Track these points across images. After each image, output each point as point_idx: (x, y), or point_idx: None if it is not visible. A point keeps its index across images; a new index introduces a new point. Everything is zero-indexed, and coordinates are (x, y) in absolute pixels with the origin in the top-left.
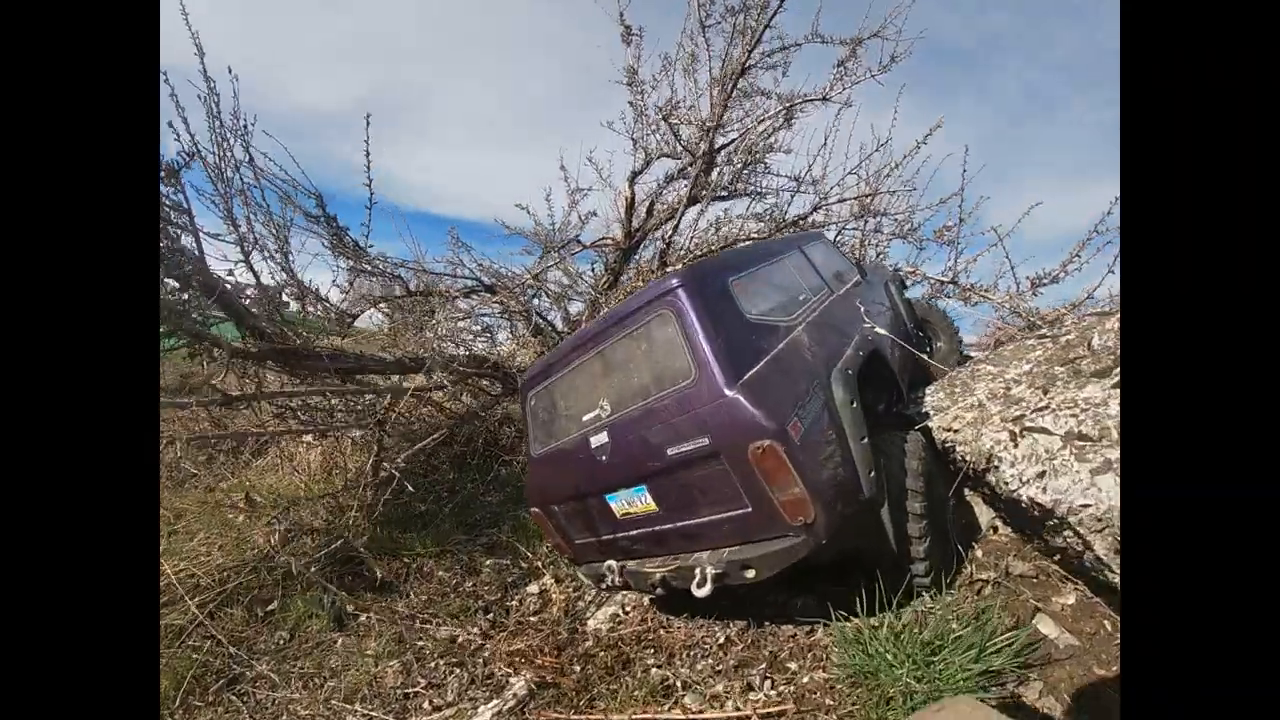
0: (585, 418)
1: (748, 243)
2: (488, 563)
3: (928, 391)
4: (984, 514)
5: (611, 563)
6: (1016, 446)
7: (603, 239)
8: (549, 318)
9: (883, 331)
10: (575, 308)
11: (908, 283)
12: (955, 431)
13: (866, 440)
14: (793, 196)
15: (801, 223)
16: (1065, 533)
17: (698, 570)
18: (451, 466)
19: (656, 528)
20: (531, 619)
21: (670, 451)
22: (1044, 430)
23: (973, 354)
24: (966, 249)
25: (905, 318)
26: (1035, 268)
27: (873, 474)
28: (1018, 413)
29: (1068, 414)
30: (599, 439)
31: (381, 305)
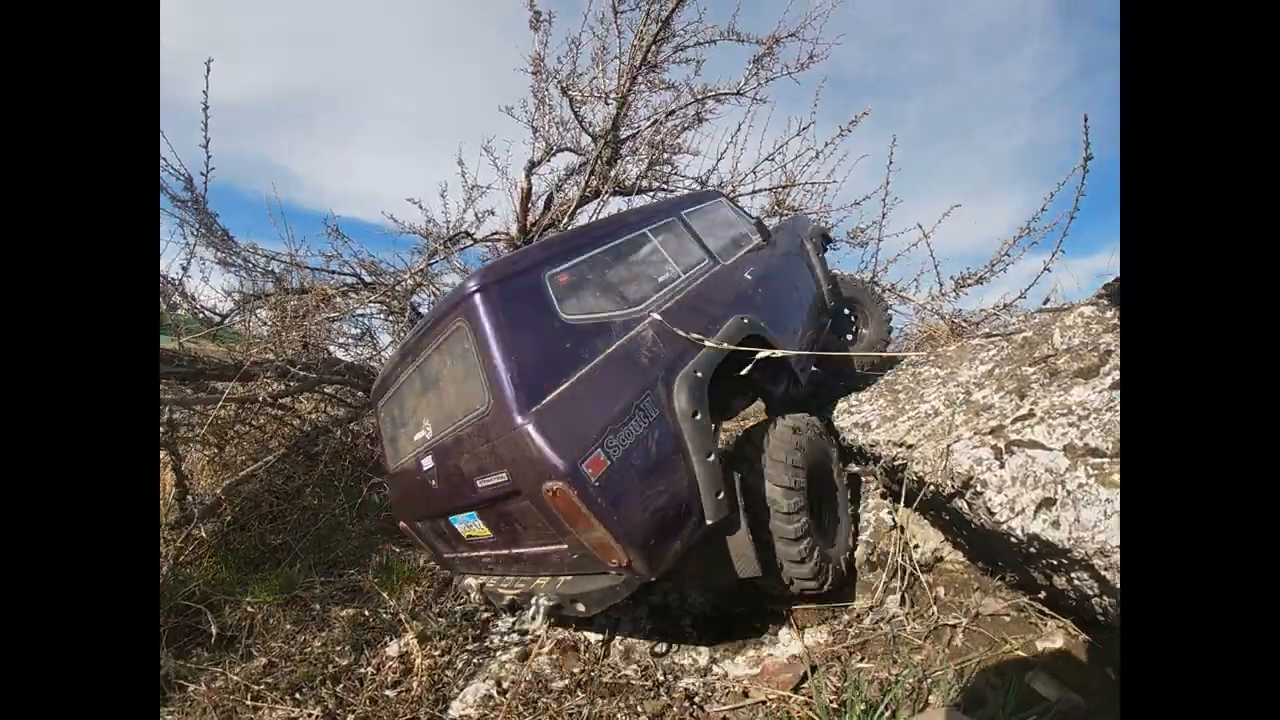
0: (415, 438)
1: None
2: (344, 613)
3: (863, 399)
4: (929, 538)
5: (471, 580)
6: (1004, 467)
7: (495, 234)
8: None
9: (754, 320)
10: None
11: (832, 237)
12: (910, 447)
13: (714, 458)
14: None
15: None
16: (1077, 574)
17: (534, 600)
18: (317, 489)
19: (498, 551)
20: (388, 693)
21: (479, 484)
22: (1037, 444)
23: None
24: (882, 250)
25: (824, 291)
26: (958, 268)
27: (720, 495)
28: (994, 422)
29: (1063, 422)
30: (427, 462)
31: (257, 303)
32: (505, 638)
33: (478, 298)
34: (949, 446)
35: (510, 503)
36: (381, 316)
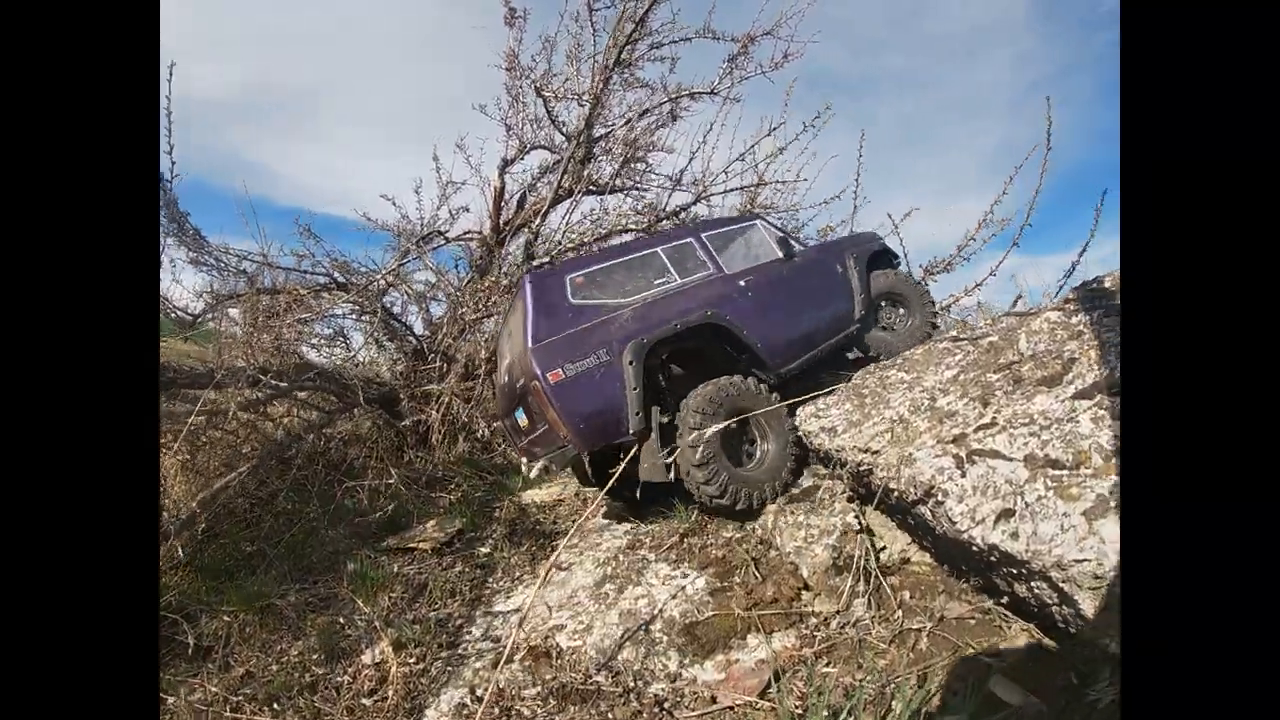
0: (502, 366)
1: (630, 238)
2: (319, 621)
3: (831, 402)
4: (896, 540)
5: (525, 460)
6: (965, 476)
7: (468, 233)
8: (407, 319)
9: (719, 314)
10: (439, 309)
11: (894, 254)
12: (875, 453)
13: (637, 389)
14: (669, 194)
15: (681, 215)
16: (1036, 583)
17: (537, 464)
18: (290, 494)
19: (534, 435)
20: (365, 702)
21: (517, 385)
22: (997, 454)
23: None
24: None
25: (856, 302)
26: (927, 257)
27: (638, 414)
28: (957, 430)
29: (1024, 432)
30: (504, 377)
31: (229, 303)
32: (478, 645)
33: (529, 285)
34: (911, 454)
35: (529, 399)
36: (354, 317)
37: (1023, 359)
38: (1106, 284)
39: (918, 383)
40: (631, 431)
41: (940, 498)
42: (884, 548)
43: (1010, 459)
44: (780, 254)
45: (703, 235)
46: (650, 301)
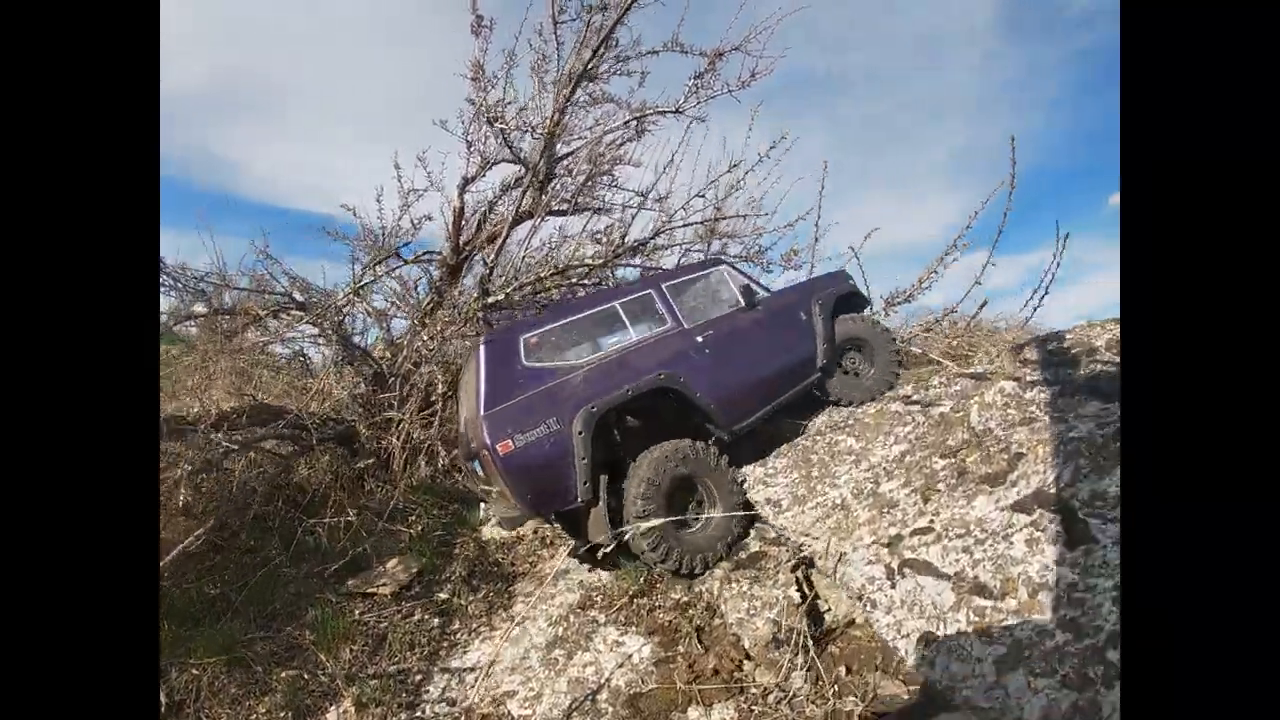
0: (462, 415)
1: (583, 278)
2: (284, 675)
3: (780, 466)
4: (842, 602)
5: (483, 503)
6: (894, 588)
7: (426, 253)
8: (368, 339)
9: (673, 376)
10: (403, 324)
11: (864, 297)
12: (815, 538)
13: (586, 460)
14: (634, 216)
15: (642, 247)
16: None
17: (493, 513)
18: (251, 532)
19: (489, 489)
20: None
21: (471, 445)
22: (929, 567)
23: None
24: (817, 269)
25: (819, 350)
26: (889, 285)
27: (586, 485)
28: (894, 529)
29: (959, 544)
30: (463, 428)
31: (187, 323)
32: (437, 706)
33: (483, 350)
34: (846, 554)
35: (482, 462)
36: (312, 340)
37: (970, 443)
38: (1068, 341)
39: (866, 455)
40: (580, 501)
41: (869, 607)
42: (829, 609)
43: (940, 576)
44: (742, 302)
45: (663, 286)
46: (604, 362)
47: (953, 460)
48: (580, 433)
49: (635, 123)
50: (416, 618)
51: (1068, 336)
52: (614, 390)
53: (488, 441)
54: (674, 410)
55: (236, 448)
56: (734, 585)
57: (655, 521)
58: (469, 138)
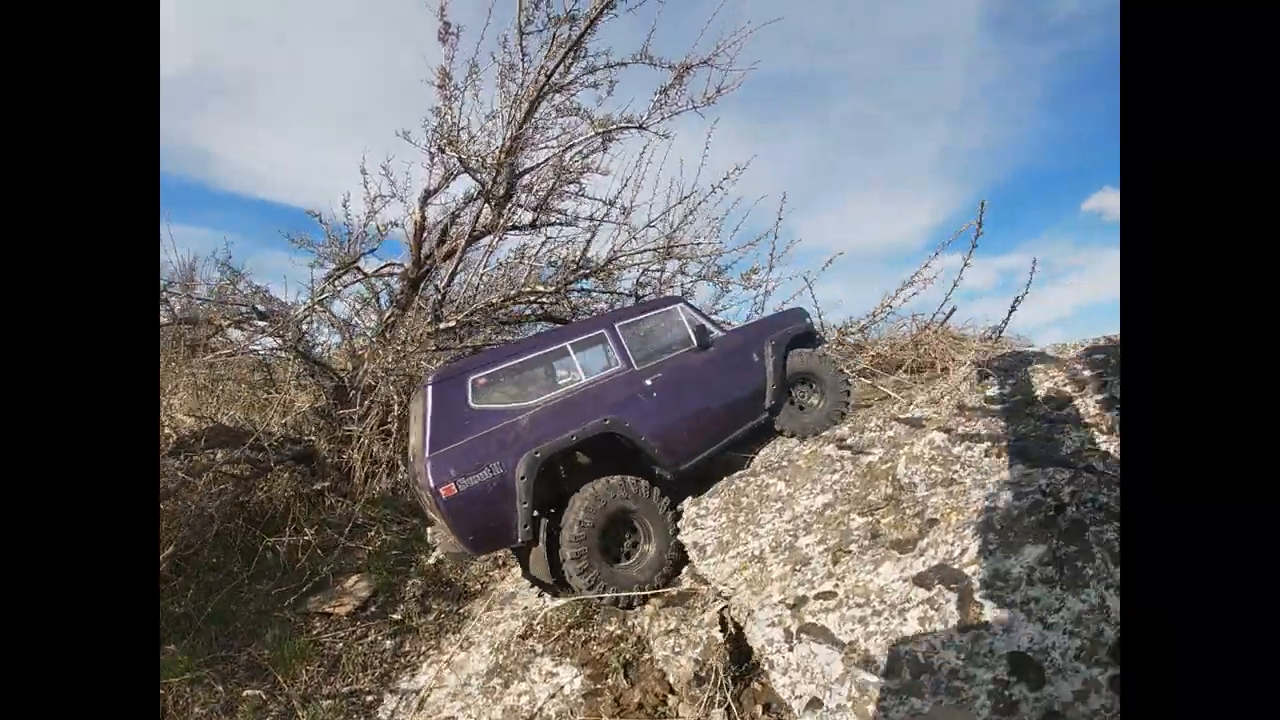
0: (410, 450)
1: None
2: (245, 694)
3: (711, 507)
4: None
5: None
6: (791, 650)
7: (387, 265)
8: (329, 351)
9: (618, 420)
10: (367, 332)
11: (819, 336)
12: (733, 590)
13: (527, 505)
14: (591, 237)
15: (599, 270)
16: None
17: (441, 549)
18: (214, 548)
19: (435, 522)
20: None
21: (417, 480)
22: (826, 634)
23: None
24: (775, 290)
25: (769, 390)
26: (872, 286)
27: (527, 528)
28: (801, 590)
29: (855, 611)
30: (411, 454)
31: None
32: (394, 716)
33: (430, 388)
34: (754, 611)
35: (427, 499)
36: (273, 351)
37: (890, 501)
38: (1009, 388)
39: (791, 503)
40: (520, 541)
41: (766, 667)
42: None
43: (834, 644)
44: (695, 343)
45: (616, 326)
46: (552, 405)
47: (870, 519)
48: (523, 478)
49: (600, 136)
50: (370, 638)
51: (1015, 378)
52: (559, 435)
53: (430, 484)
54: (620, 451)
55: (194, 479)
56: (663, 621)
57: (593, 575)
58: (431, 149)
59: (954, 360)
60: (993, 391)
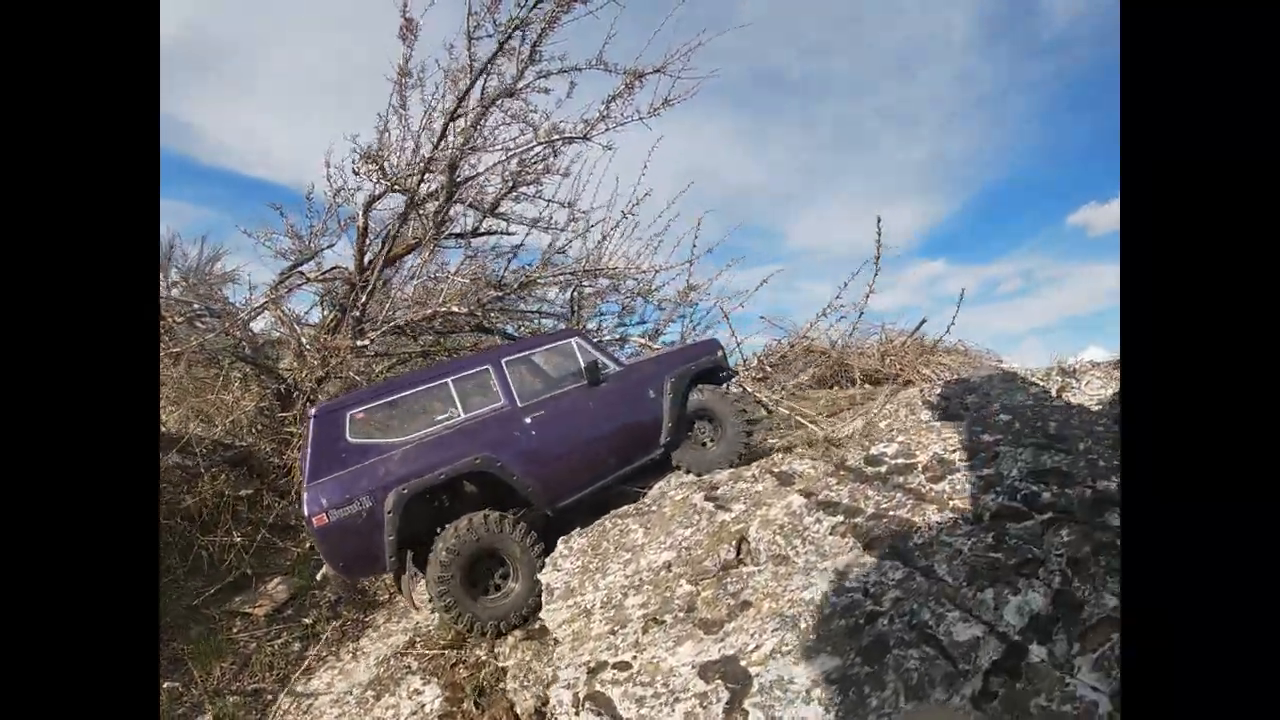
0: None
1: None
2: (165, 685)
3: (575, 547)
4: None
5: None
6: (578, 715)
7: (335, 267)
8: (275, 350)
9: (490, 459)
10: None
11: (728, 370)
12: (558, 643)
13: (393, 538)
14: (514, 254)
15: (519, 291)
16: None
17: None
18: None
19: None
20: None
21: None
22: (609, 707)
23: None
24: (710, 311)
25: (664, 429)
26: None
27: (393, 558)
28: (605, 655)
29: (639, 689)
30: None
31: None
32: (284, 716)
33: (313, 421)
34: (555, 672)
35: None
36: (225, 352)
37: (724, 569)
38: (893, 448)
39: (639, 555)
40: (388, 570)
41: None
42: None
43: (612, 718)
44: (586, 380)
45: (503, 361)
46: (426, 442)
47: (694, 589)
48: (390, 513)
49: (546, 146)
50: (282, 640)
51: (893, 445)
52: (429, 472)
53: (305, 513)
54: (496, 487)
55: None
56: (519, 653)
57: (446, 617)
58: (355, 168)
59: (918, 374)
60: (878, 449)
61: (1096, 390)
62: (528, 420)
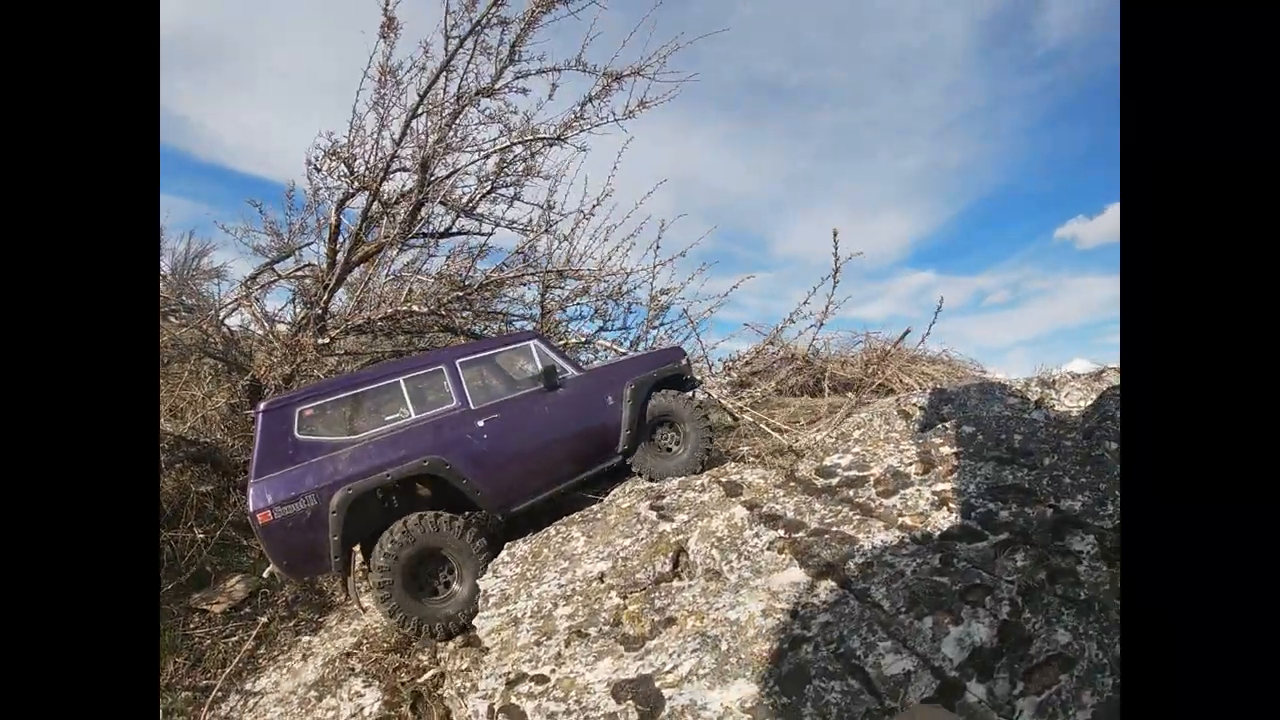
0: None
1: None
2: None
3: (518, 554)
4: None
5: None
6: None
7: (307, 265)
8: (249, 346)
9: (438, 461)
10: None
11: (691, 378)
12: (487, 650)
13: (338, 538)
14: (480, 252)
15: (482, 292)
16: None
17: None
18: None
19: None
20: None
21: None
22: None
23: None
24: (682, 316)
25: (622, 435)
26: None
27: (338, 558)
28: (525, 666)
29: (552, 704)
30: None
31: None
32: (230, 713)
33: (260, 416)
34: (476, 682)
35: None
36: (194, 347)
37: (655, 583)
38: (847, 460)
39: (577, 563)
40: (333, 570)
41: None
42: None
43: None
44: (542, 385)
45: (457, 362)
46: (374, 441)
47: (622, 603)
48: (334, 512)
49: (522, 146)
50: (236, 637)
51: (847, 457)
52: (376, 472)
53: (250, 508)
54: (446, 489)
55: None
56: (459, 660)
57: (386, 616)
58: (349, 153)
59: (901, 383)
60: (831, 460)
61: (1075, 402)
62: (480, 423)
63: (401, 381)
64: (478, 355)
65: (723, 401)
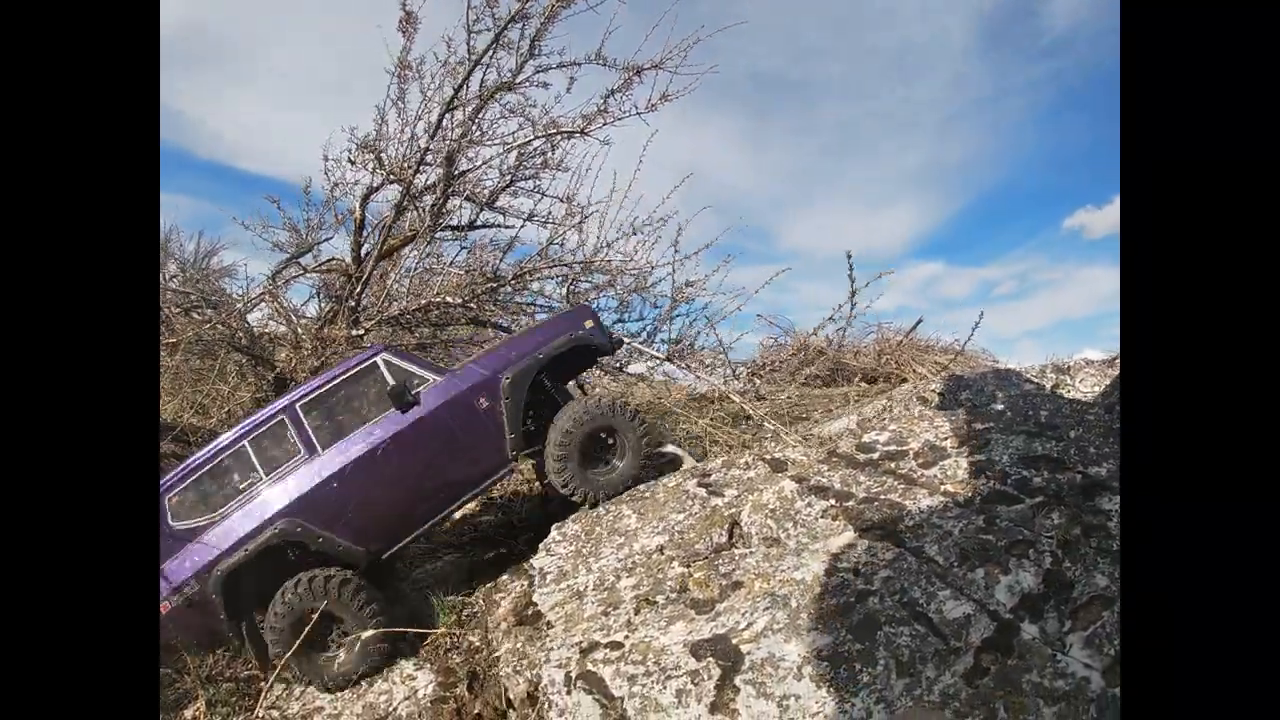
0: None
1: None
2: (165, 672)
3: (568, 533)
4: None
5: None
6: (569, 694)
7: (332, 259)
8: (271, 342)
9: (290, 526)
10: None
11: (601, 345)
12: (550, 625)
13: (223, 616)
14: (510, 246)
15: (513, 284)
16: None
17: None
18: None
19: None
20: None
21: None
22: (600, 686)
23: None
24: (705, 309)
25: (506, 442)
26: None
27: (231, 634)
28: (598, 635)
29: (631, 668)
30: None
31: None
32: (269, 712)
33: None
34: (547, 655)
35: None
36: (219, 343)
37: (715, 552)
38: (887, 434)
39: (633, 539)
40: (229, 634)
41: (546, 707)
42: None
43: (603, 696)
44: (394, 407)
45: (297, 406)
46: (231, 514)
47: (686, 571)
48: (214, 597)
49: (544, 140)
50: None
51: (885, 434)
52: (239, 549)
53: (163, 600)
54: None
55: None
56: (512, 640)
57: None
58: (375, 144)
59: (914, 372)
60: (870, 437)
61: (1090, 387)
62: (330, 471)
63: (246, 445)
64: (318, 391)
65: (746, 406)
